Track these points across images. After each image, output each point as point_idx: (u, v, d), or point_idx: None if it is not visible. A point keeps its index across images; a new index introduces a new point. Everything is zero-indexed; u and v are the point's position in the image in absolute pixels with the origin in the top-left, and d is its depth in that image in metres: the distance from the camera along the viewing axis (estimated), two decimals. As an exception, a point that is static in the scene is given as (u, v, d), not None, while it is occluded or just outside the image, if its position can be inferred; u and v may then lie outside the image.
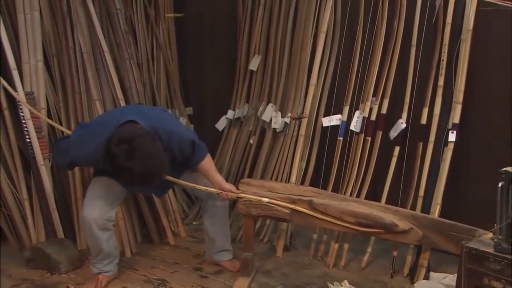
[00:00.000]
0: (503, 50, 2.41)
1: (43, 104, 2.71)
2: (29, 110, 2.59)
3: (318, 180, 2.80)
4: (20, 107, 2.60)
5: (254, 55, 3.23)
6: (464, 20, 2.42)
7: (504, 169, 1.59)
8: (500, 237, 1.61)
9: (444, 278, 2.08)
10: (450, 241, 2.03)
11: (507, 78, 2.41)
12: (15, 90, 2.59)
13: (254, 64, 3.21)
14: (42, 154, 2.65)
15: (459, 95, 2.40)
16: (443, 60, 2.46)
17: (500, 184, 1.60)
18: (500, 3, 2.19)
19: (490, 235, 1.68)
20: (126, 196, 2.56)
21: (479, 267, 1.65)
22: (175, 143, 2.23)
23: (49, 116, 2.78)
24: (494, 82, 2.47)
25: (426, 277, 2.26)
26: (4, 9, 2.65)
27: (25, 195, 2.70)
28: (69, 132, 2.51)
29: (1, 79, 2.54)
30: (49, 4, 2.82)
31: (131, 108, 2.67)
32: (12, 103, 2.64)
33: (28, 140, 2.63)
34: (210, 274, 2.53)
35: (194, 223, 3.16)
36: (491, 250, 1.63)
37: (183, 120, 3.56)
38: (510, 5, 2.17)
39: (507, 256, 1.59)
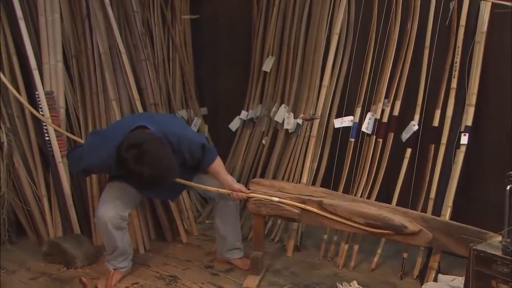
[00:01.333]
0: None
1: (62, 103, 2.77)
2: (52, 123, 2.67)
3: (329, 181, 2.79)
4: (40, 106, 2.66)
5: (267, 56, 3.24)
6: (478, 22, 2.40)
7: (512, 172, 1.59)
8: (508, 240, 1.60)
9: (452, 280, 2.07)
10: (461, 244, 2.01)
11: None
12: (35, 90, 2.66)
13: (268, 65, 3.22)
14: (60, 152, 2.70)
15: (472, 98, 2.38)
16: (456, 62, 2.44)
17: (508, 187, 1.58)
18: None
19: (499, 238, 1.66)
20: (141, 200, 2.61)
21: (487, 270, 1.65)
22: (185, 147, 2.26)
23: (67, 114, 2.85)
24: (508, 84, 2.43)
25: (436, 280, 2.25)
26: (26, 12, 2.71)
27: (43, 191, 2.76)
28: (82, 141, 2.58)
29: (26, 103, 2.62)
30: (69, 7, 2.87)
31: (142, 115, 2.74)
32: (32, 102, 2.70)
33: (47, 138, 2.69)
34: (221, 272, 2.55)
35: (207, 221, 3.19)
36: (499, 253, 1.62)
37: (198, 120, 3.59)
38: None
39: (514, 259, 1.59)
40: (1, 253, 2.63)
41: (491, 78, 2.45)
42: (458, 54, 2.44)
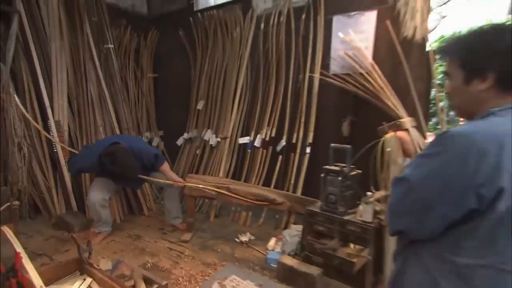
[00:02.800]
0: (333, 102, 2.60)
1: (65, 128, 2.82)
2: (56, 136, 2.70)
3: (235, 175, 2.97)
4: (51, 130, 2.69)
5: (200, 100, 3.37)
6: (313, 86, 2.66)
7: (325, 166, 1.91)
8: (322, 203, 1.93)
9: (298, 229, 2.28)
10: (303, 207, 2.11)
11: (337, 122, 2.57)
12: (48, 119, 2.70)
13: (200, 105, 3.35)
14: (64, 158, 2.76)
15: (312, 127, 2.67)
16: (303, 108, 2.67)
17: (322, 175, 1.92)
18: (327, 79, 2.45)
19: (320, 202, 1.97)
20: (117, 189, 2.62)
21: (312, 220, 1.95)
22: (144, 156, 2.38)
23: (69, 135, 2.85)
24: (328, 121, 2.64)
25: (291, 228, 2.42)
26: (44, 69, 2.77)
27: (52, 184, 2.82)
28: (77, 152, 2.63)
29: (43, 131, 2.61)
30: (73, 67, 2.93)
31: (117, 136, 2.80)
32: (45, 127, 2.71)
33: (55, 150, 2.74)
34: (168, 232, 2.64)
35: (162, 202, 3.12)
36: (318, 210, 1.94)
37: (157, 139, 3.61)
38: (331, 80, 2.43)
39: (324, 213, 1.91)
40: (24, 224, 2.63)
41: (321, 117, 2.70)
42: (303, 104, 2.70)
